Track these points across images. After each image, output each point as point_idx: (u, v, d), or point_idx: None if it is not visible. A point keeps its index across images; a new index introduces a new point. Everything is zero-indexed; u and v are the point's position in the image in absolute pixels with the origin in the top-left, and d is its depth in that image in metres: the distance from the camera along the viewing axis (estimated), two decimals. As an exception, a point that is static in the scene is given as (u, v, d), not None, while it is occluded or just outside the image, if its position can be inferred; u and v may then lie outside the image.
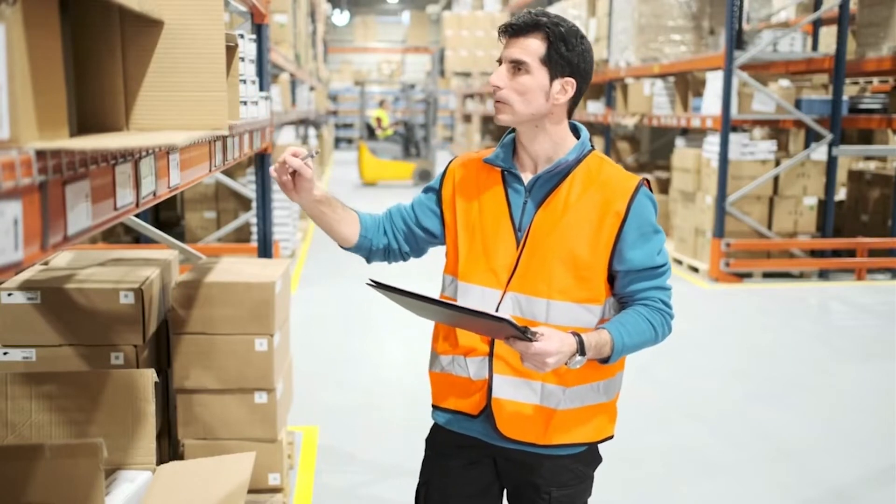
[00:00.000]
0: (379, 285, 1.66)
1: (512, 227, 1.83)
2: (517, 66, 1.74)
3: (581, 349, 1.68)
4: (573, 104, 1.82)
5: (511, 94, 1.76)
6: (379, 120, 17.78)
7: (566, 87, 1.76)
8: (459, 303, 1.79)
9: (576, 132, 1.87)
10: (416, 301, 1.62)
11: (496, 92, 1.78)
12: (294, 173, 1.77)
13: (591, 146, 1.87)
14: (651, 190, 1.84)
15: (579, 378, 1.82)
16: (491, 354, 1.83)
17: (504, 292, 1.81)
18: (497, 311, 1.78)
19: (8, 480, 1.70)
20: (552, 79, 1.75)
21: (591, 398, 1.85)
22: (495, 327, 1.63)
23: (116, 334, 2.71)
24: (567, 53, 1.74)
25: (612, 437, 1.92)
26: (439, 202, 1.95)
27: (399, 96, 22.53)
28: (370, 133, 17.08)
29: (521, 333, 1.59)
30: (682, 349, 5.49)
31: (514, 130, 1.87)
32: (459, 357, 1.87)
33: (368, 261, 2.01)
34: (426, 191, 2.00)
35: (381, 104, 19.00)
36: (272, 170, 1.78)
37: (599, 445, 1.94)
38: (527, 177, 1.85)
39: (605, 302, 1.83)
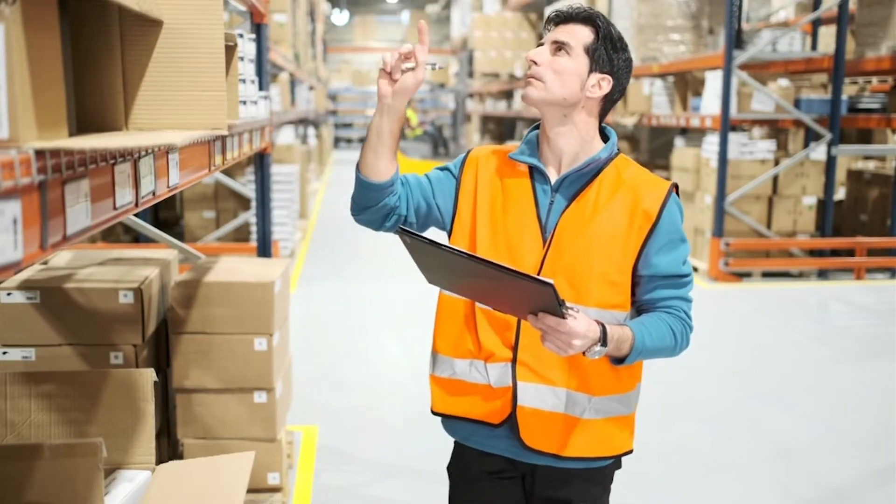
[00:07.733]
0: (409, 234, 1.52)
1: (539, 226, 1.73)
2: (559, 47, 1.67)
3: (604, 339, 1.58)
4: (605, 108, 1.74)
5: (547, 71, 1.67)
6: (408, 119, 17.86)
7: (602, 84, 1.69)
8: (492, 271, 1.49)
9: (604, 135, 1.80)
10: (447, 257, 1.49)
11: (531, 67, 1.69)
12: (403, 73, 1.67)
13: (618, 150, 1.80)
14: (679, 196, 1.76)
15: (604, 388, 1.74)
16: (514, 360, 1.72)
17: None
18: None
19: (7, 480, 1.70)
20: (591, 71, 1.68)
21: (615, 410, 1.77)
22: (528, 297, 1.49)
23: (116, 334, 2.71)
24: (612, 53, 1.68)
25: (631, 452, 1.84)
26: (457, 189, 1.83)
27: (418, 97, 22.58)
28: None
29: (559, 306, 1.47)
30: (681, 349, 5.48)
31: (537, 127, 1.79)
32: (479, 362, 1.75)
33: (368, 209, 1.78)
34: (442, 170, 1.87)
35: (409, 103, 19.08)
36: (386, 56, 1.66)
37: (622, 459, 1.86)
38: (552, 175, 1.76)
39: (630, 308, 1.75)
